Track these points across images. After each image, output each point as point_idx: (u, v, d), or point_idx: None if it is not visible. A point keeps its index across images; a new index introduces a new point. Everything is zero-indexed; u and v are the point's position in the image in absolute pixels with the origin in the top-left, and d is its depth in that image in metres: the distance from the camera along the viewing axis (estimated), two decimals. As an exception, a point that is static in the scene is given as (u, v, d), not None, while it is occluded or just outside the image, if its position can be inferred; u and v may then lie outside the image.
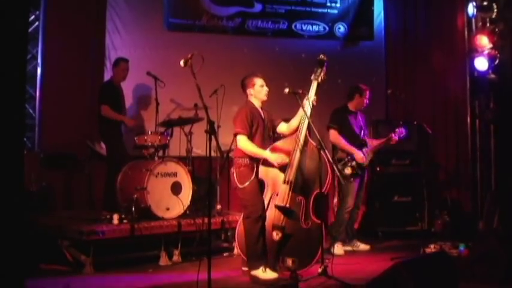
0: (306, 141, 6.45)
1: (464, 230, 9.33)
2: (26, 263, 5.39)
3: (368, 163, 8.14)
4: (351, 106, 8.24)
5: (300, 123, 6.46)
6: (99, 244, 6.81)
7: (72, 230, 6.90)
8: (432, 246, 7.89)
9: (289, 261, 6.07)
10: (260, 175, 6.38)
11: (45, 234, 7.03)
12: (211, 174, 6.13)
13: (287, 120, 6.68)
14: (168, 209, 7.53)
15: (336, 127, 8.09)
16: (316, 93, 6.50)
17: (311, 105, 6.43)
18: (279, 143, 6.56)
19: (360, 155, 7.97)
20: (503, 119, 9.95)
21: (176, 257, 7.34)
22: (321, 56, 6.62)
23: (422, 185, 9.48)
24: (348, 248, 8.12)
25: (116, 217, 7.12)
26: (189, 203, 7.68)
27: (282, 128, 6.71)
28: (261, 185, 6.41)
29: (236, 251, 7.53)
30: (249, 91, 6.56)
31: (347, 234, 8.18)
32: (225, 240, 8.07)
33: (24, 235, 6.15)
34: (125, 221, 7.16)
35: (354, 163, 7.96)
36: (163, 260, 7.21)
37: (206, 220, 5.74)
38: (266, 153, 6.33)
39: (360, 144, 8.07)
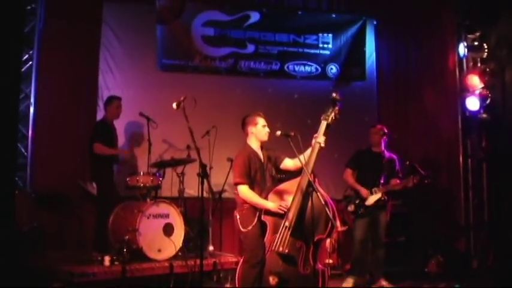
0: (309, 184, 6.11)
1: (458, 269, 9.30)
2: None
3: (375, 203, 8.10)
4: (372, 146, 8.40)
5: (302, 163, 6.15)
6: (91, 286, 6.74)
7: (63, 271, 6.84)
8: (426, 286, 7.86)
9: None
10: (262, 217, 6.28)
11: (36, 276, 6.97)
12: (203, 216, 6.09)
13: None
14: (160, 250, 7.50)
15: (350, 166, 8.34)
16: (326, 134, 6.30)
17: (319, 146, 6.23)
18: (281, 186, 6.41)
19: (363, 192, 8.05)
20: (495, 158, 9.97)
21: (168, 299, 7.27)
22: (333, 95, 6.41)
23: (415, 225, 9.49)
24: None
25: (107, 258, 7.09)
26: (181, 244, 7.64)
27: (288, 163, 6.56)
28: (263, 226, 6.30)
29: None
30: (250, 129, 6.50)
31: (371, 274, 8.33)
32: (217, 282, 7.98)
33: (15, 277, 6.12)
34: (116, 263, 7.12)
35: (357, 201, 8.07)
36: (155, 302, 7.14)
37: (198, 261, 5.71)
38: (268, 204, 6.23)
39: (373, 185, 8.11)
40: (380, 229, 8.23)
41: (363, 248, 8.25)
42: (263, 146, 6.59)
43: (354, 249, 8.27)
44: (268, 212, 6.23)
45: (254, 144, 6.53)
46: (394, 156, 8.39)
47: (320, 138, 6.27)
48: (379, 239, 8.26)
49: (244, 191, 6.27)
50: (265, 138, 6.52)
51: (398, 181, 8.19)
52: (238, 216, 6.35)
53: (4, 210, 5.95)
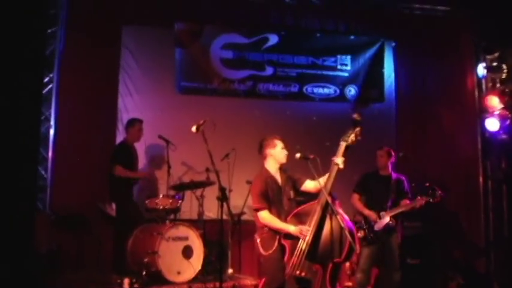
0: (327, 206, 6.07)
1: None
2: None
3: (384, 227, 7.97)
4: (379, 169, 8.27)
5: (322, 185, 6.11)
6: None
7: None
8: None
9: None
10: (282, 240, 6.19)
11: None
12: (223, 238, 6.07)
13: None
14: (179, 273, 7.50)
15: (357, 190, 8.21)
16: (344, 155, 6.19)
17: (337, 168, 6.13)
18: (301, 209, 6.30)
19: (372, 217, 7.95)
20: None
21: (187, 323, 7.26)
22: (354, 116, 6.33)
23: (434, 247, 9.41)
24: None
25: (126, 281, 7.10)
26: (200, 267, 7.63)
27: (309, 185, 6.46)
28: (282, 249, 6.20)
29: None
30: (269, 151, 6.41)
31: None
32: (236, 305, 7.98)
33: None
34: (135, 286, 7.12)
35: (366, 226, 7.96)
36: (174, 326, 7.13)
37: (217, 284, 5.70)
38: (290, 228, 6.09)
39: (380, 208, 8.01)
40: (394, 252, 8.08)
41: (366, 276, 8.12)
42: (281, 168, 6.52)
43: (355, 277, 8.20)
44: (287, 236, 6.15)
45: (272, 167, 6.46)
46: (403, 177, 8.28)
47: (338, 160, 6.19)
48: (394, 262, 8.10)
49: (265, 217, 6.21)
50: (284, 160, 6.46)
51: (408, 201, 8.09)
52: (258, 240, 6.28)
53: (23, 232, 5.98)
